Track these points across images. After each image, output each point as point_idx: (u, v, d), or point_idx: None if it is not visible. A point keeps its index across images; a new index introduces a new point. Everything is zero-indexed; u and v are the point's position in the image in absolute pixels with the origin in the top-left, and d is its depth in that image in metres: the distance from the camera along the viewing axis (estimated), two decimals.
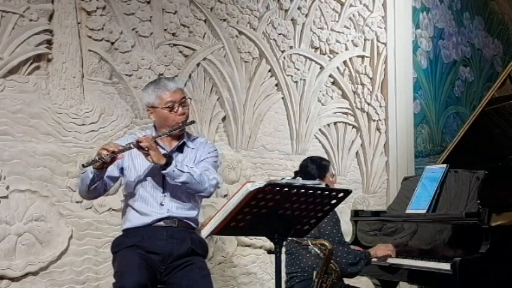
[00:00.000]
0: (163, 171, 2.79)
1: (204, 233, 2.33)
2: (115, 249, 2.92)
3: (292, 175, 3.43)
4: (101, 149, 2.74)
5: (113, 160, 2.75)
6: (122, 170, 2.96)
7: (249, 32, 4.35)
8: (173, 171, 2.77)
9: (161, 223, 2.88)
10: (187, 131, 3.06)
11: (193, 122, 3.10)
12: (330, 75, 4.79)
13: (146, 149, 2.74)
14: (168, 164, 2.77)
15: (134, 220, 2.90)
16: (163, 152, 2.89)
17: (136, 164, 2.93)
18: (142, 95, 3.17)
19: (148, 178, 2.91)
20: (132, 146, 2.77)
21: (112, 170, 2.89)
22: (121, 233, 2.98)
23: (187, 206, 2.94)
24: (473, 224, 2.92)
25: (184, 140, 3.00)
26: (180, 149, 2.99)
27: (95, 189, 2.86)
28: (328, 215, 2.68)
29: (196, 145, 3.03)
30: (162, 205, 2.89)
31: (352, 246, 3.34)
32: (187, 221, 2.94)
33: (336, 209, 2.92)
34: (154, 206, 2.89)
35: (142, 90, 3.11)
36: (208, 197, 2.99)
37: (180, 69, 4.01)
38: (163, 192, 2.90)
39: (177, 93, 2.94)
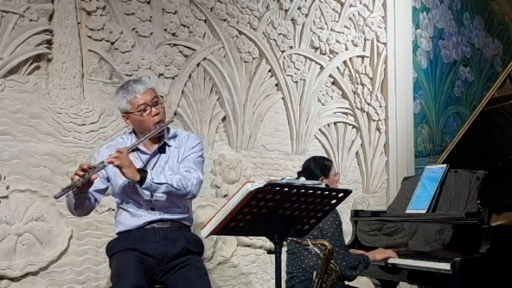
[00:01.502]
0: (140, 188, 2.74)
1: (204, 233, 2.32)
2: (110, 252, 2.91)
3: (292, 175, 3.44)
4: (74, 174, 2.66)
5: (88, 183, 2.68)
6: (108, 179, 2.92)
7: (249, 32, 4.35)
8: (150, 185, 2.71)
9: (153, 225, 2.86)
10: (167, 126, 2.98)
11: (171, 121, 3.02)
12: (330, 75, 4.79)
13: (119, 167, 2.68)
14: (143, 179, 2.70)
15: (126, 222, 2.88)
16: (146, 156, 2.87)
17: None
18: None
19: (136, 184, 2.83)
20: (105, 163, 2.69)
21: (98, 184, 2.84)
22: (115, 236, 2.97)
23: (179, 206, 2.90)
24: (473, 224, 2.92)
25: (165, 140, 2.94)
26: (162, 149, 2.92)
27: (83, 208, 2.83)
28: (329, 215, 2.67)
29: (178, 142, 2.95)
30: (153, 209, 2.86)
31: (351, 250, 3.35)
32: (180, 221, 2.91)
33: (336, 210, 2.92)
34: (145, 209, 2.86)
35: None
36: (193, 198, 2.93)
37: (180, 69, 4.01)
38: (152, 197, 2.84)
39: (147, 94, 2.87)
